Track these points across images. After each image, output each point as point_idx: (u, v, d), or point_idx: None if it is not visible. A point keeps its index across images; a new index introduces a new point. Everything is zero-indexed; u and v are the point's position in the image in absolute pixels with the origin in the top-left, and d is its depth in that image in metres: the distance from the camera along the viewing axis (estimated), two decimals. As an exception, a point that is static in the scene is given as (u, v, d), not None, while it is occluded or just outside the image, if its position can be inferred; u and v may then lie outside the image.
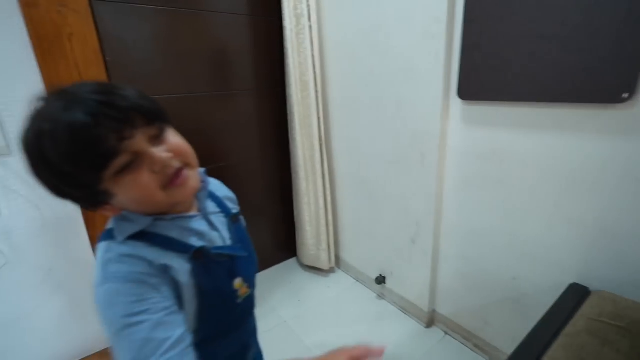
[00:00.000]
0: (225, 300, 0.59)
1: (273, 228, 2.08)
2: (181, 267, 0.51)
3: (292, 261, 2.19)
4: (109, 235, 0.51)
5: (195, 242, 0.56)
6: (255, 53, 1.72)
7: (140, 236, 0.50)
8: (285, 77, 1.68)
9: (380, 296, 1.80)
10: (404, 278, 1.63)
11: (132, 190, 0.47)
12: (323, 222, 1.88)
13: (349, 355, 0.48)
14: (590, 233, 0.98)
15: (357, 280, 1.95)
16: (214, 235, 0.60)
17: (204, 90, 1.60)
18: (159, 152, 0.48)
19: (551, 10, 0.90)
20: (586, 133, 0.93)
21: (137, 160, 0.46)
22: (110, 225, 0.52)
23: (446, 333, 1.53)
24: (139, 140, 0.46)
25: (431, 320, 1.58)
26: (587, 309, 0.88)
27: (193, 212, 0.59)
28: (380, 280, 1.73)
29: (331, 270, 2.04)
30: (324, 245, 1.90)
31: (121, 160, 0.45)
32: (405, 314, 1.66)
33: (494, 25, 1.03)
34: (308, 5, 1.57)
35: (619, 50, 0.81)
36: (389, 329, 1.59)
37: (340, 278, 2.00)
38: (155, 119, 0.49)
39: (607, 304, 0.87)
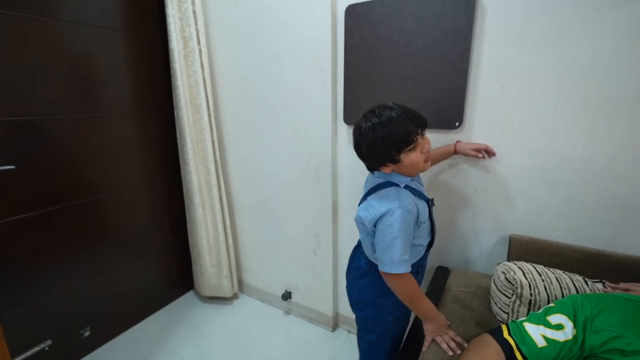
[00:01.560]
0: (433, 229, 1.00)
1: (164, 262, 1.87)
2: (424, 210, 0.92)
3: (189, 295, 2.01)
4: (392, 184, 0.90)
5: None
6: (134, 72, 1.57)
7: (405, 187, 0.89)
8: (174, 99, 1.59)
9: (287, 312, 1.84)
10: (308, 289, 1.72)
11: (411, 159, 0.86)
12: (223, 247, 1.81)
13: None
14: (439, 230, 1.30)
15: (263, 301, 1.94)
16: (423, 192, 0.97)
17: (67, 112, 1.36)
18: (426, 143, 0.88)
19: (406, 58, 1.19)
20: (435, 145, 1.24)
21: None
22: (383, 179, 0.92)
23: (349, 332, 1.68)
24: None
25: (336, 323, 1.72)
26: (450, 283, 1.15)
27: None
28: (287, 296, 1.78)
29: (235, 297, 1.96)
30: (226, 272, 1.83)
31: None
32: (312, 323, 1.75)
33: (368, 65, 1.27)
34: (197, 29, 1.55)
35: (451, 91, 1.14)
36: (298, 341, 1.65)
37: (244, 303, 1.94)
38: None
39: (461, 277, 1.17)
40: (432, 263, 1.35)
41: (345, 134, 1.42)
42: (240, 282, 2.01)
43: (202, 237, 1.76)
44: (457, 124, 1.16)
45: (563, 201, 1.06)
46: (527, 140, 1.07)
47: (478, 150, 1.10)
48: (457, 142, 1.15)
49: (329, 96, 1.38)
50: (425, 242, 0.97)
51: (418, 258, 0.97)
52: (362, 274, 1.06)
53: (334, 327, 1.70)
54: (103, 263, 1.58)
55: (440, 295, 1.11)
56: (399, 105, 0.86)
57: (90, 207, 1.49)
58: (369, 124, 0.84)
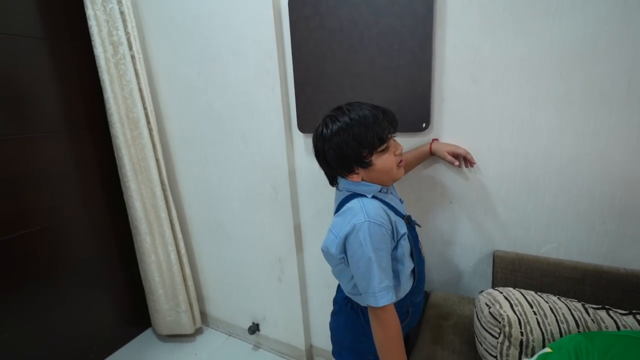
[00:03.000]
0: (419, 257, 0.81)
1: (116, 299, 1.64)
2: (402, 228, 0.75)
3: (147, 334, 1.77)
4: (356, 195, 0.75)
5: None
6: (60, 86, 1.36)
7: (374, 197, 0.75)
8: (107, 114, 1.38)
9: (257, 346, 1.63)
10: (277, 320, 1.52)
11: (384, 162, 0.73)
12: (179, 279, 1.59)
13: None
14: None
15: (230, 335, 1.73)
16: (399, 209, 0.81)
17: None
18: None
19: (361, 52, 1.02)
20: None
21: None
22: (348, 192, 0.77)
23: (327, 366, 1.49)
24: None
25: (310, 357, 1.52)
26: (428, 311, 0.97)
27: None
28: (254, 328, 1.57)
29: (198, 332, 1.74)
30: (184, 306, 1.61)
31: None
32: (284, 358, 1.54)
33: (318, 63, 1.09)
34: (127, 33, 1.35)
35: (414, 88, 0.97)
36: (270, 382, 1.44)
37: (209, 338, 1.72)
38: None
39: (440, 303, 1.00)
40: (409, 286, 1.17)
41: (302, 143, 1.24)
42: (203, 314, 1.79)
43: (152, 269, 1.54)
44: (424, 125, 0.99)
45: (551, 210, 0.90)
46: (505, 140, 0.91)
47: (456, 156, 0.92)
48: (433, 140, 0.98)
49: (279, 101, 1.20)
50: (408, 270, 0.78)
51: (404, 293, 0.79)
52: (339, 309, 0.89)
53: (309, 360, 1.51)
54: (46, 303, 1.37)
55: (418, 330, 0.93)
56: (367, 102, 0.75)
57: (16, 245, 1.26)
58: (337, 124, 0.72)
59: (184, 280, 1.63)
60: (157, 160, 1.49)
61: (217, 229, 1.56)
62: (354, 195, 0.74)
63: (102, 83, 1.34)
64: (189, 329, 1.64)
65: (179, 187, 1.62)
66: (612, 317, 0.71)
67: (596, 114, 0.80)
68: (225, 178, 1.44)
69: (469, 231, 1.03)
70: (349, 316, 0.84)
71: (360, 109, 0.72)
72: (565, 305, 0.74)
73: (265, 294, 1.51)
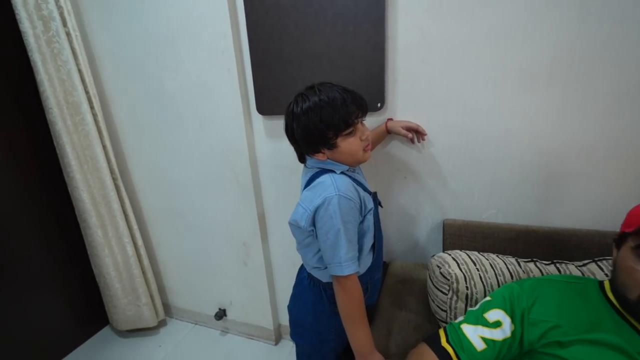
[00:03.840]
0: (380, 234, 0.86)
1: (66, 297, 1.54)
2: (369, 200, 0.80)
3: (105, 331, 1.69)
4: (326, 171, 0.77)
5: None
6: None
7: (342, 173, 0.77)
8: (42, 98, 1.25)
9: (224, 331, 1.64)
10: (244, 304, 1.54)
11: (350, 146, 0.75)
12: (137, 271, 1.53)
13: None
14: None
15: (196, 324, 1.71)
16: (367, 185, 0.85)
17: None
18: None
19: (318, 33, 1.03)
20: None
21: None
22: (317, 169, 0.79)
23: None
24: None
25: (279, 335, 1.56)
26: (387, 278, 1.06)
27: None
28: (220, 314, 1.57)
29: (161, 324, 1.70)
30: (145, 299, 1.56)
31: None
32: (253, 339, 1.57)
33: (276, 44, 1.09)
34: (59, 7, 1.22)
35: (369, 69, 1.01)
36: (240, 364, 1.47)
37: (174, 329, 1.69)
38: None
39: (398, 270, 1.08)
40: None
41: (262, 126, 1.23)
42: (167, 306, 1.75)
43: (107, 263, 1.46)
44: (379, 105, 1.04)
45: (491, 180, 1.01)
46: (451, 118, 0.99)
47: (409, 130, 0.99)
48: (388, 119, 1.03)
49: (236, 83, 1.17)
50: (369, 244, 0.82)
51: (365, 268, 0.83)
52: (302, 290, 0.91)
53: (277, 339, 1.55)
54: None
55: (379, 297, 1.00)
56: (339, 84, 0.76)
57: None
58: (307, 103, 0.73)
59: (143, 272, 1.57)
60: (104, 147, 1.39)
61: (177, 217, 1.51)
62: (324, 171, 0.77)
63: (32, 64, 1.21)
64: (151, 321, 1.60)
65: (132, 176, 1.53)
66: (538, 267, 0.83)
67: (525, 93, 0.90)
68: (182, 164, 1.39)
69: (422, 203, 1.12)
70: (312, 297, 0.86)
71: (331, 91, 0.73)
72: (502, 261, 0.85)
73: (231, 279, 1.51)
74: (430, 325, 0.86)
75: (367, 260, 0.81)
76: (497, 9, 0.86)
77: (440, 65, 0.96)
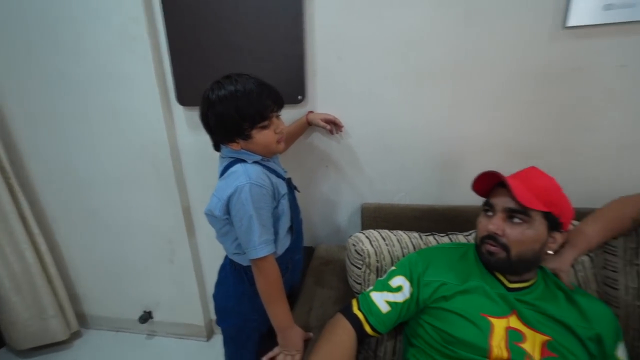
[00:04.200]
0: (297, 217, 0.91)
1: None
2: (283, 187, 0.83)
3: (1, 354, 1.47)
4: (239, 160, 0.79)
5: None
6: None
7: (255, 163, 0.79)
8: None
9: (151, 335, 1.55)
10: (172, 303, 1.48)
11: (264, 138, 0.77)
12: (41, 281, 1.36)
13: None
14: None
15: (118, 331, 1.59)
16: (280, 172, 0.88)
17: None
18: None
19: (238, 24, 1.03)
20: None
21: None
22: (231, 158, 0.80)
23: (228, 336, 1.53)
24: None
25: (210, 331, 1.54)
26: (312, 262, 1.12)
27: None
28: (146, 317, 1.49)
29: (75, 337, 1.54)
30: (52, 311, 1.39)
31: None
32: (183, 338, 1.52)
33: (195, 32, 1.06)
34: None
35: (290, 62, 1.05)
36: (169, 365, 1.41)
37: (91, 340, 1.55)
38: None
39: (322, 254, 1.15)
40: (298, 245, 1.30)
41: (183, 116, 1.19)
42: (81, 316, 1.59)
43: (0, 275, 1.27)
44: (299, 97, 1.09)
45: (400, 166, 1.13)
46: (365, 111, 1.09)
47: (327, 122, 1.06)
48: (308, 112, 1.09)
49: (152, 71, 1.12)
50: (286, 226, 0.86)
51: (283, 249, 0.87)
52: (224, 276, 0.92)
53: (209, 335, 1.52)
54: None
55: (304, 277, 1.06)
56: (256, 77, 0.78)
57: None
58: (223, 92, 0.73)
59: (49, 281, 1.40)
60: (-9, 141, 1.21)
61: (90, 217, 1.38)
62: (237, 161, 0.79)
63: None
64: (61, 335, 1.44)
65: (30, 174, 1.35)
66: (435, 239, 0.96)
67: (423, 89, 1.03)
68: (93, 158, 1.27)
69: (343, 190, 1.20)
70: (233, 280, 0.89)
71: (247, 82, 0.74)
72: (407, 236, 0.97)
73: (156, 279, 1.44)
74: (348, 299, 0.94)
75: (285, 241, 0.86)
76: (401, 12, 0.96)
77: (354, 62, 1.04)
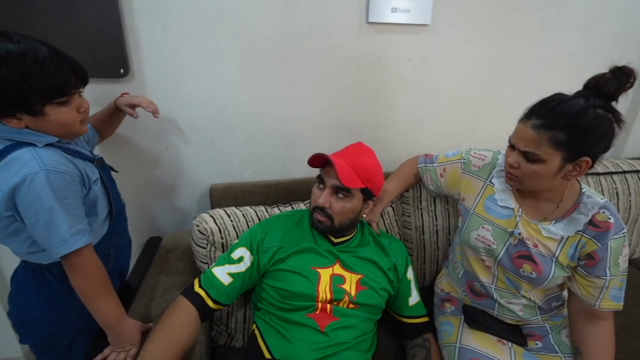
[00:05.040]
0: (117, 200, 0.81)
1: None
2: (93, 174, 0.73)
3: None
4: (22, 144, 0.63)
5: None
6: None
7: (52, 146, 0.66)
8: None
9: None
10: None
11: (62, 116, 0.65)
12: None
13: None
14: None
15: None
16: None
17: None
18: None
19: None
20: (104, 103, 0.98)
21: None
22: (10, 136, 0.63)
23: None
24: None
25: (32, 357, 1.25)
26: (159, 252, 1.05)
27: None
28: None
29: None
30: None
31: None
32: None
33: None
34: None
35: (104, 28, 0.90)
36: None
37: None
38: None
39: (171, 242, 1.09)
40: (142, 237, 1.18)
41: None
42: None
43: None
44: (122, 71, 0.96)
45: (245, 144, 1.16)
46: (203, 88, 1.05)
47: (132, 107, 0.91)
48: (122, 94, 0.94)
49: None
50: (103, 213, 0.76)
51: (99, 237, 0.76)
52: (19, 284, 0.75)
53: (33, 365, 1.24)
54: None
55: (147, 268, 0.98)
56: (51, 44, 0.63)
57: None
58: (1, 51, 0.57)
59: None
60: None
61: None
62: (20, 145, 0.63)
63: None
64: None
65: None
66: (280, 210, 1.04)
67: (260, 68, 1.07)
68: None
69: (188, 172, 1.15)
70: (33, 283, 0.74)
71: (39, 47, 0.60)
72: (254, 210, 1.01)
73: None
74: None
75: (102, 228, 0.77)
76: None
77: (184, 35, 0.98)
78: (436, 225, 1.10)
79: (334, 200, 0.81)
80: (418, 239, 1.11)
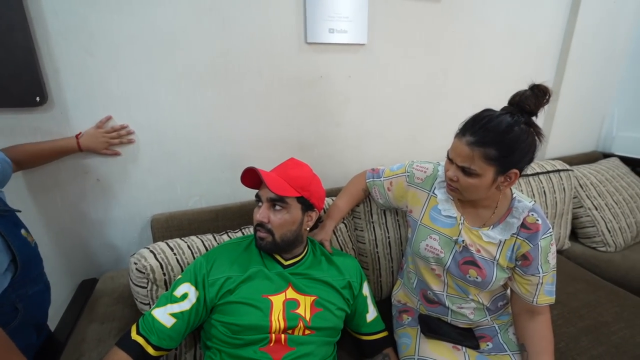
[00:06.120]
0: (21, 245, 0.68)
1: None
2: None
3: None
4: None
5: None
6: None
7: None
8: None
9: None
10: None
11: None
12: None
13: None
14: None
15: None
16: None
17: None
18: None
19: None
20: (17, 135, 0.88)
21: None
22: None
23: None
24: None
25: None
26: (94, 297, 0.94)
27: None
28: None
29: None
30: None
31: None
32: None
33: None
34: None
35: (12, 53, 0.81)
36: None
37: None
38: None
39: (108, 284, 0.99)
40: (74, 280, 1.06)
41: None
42: None
43: None
44: (37, 99, 0.87)
45: (188, 170, 1.10)
46: (136, 114, 0.99)
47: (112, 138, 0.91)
48: (77, 135, 0.90)
49: None
50: (3, 265, 0.64)
51: (1, 289, 0.64)
52: None
53: None
54: None
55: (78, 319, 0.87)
56: None
57: None
58: None
59: None
60: None
61: None
62: None
63: None
64: None
65: None
66: (229, 236, 0.99)
67: (198, 91, 1.03)
68: None
69: (124, 205, 1.06)
70: None
71: None
72: (200, 239, 0.95)
73: None
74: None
75: (4, 281, 0.65)
76: (157, 10, 0.92)
77: (111, 59, 0.92)
78: (388, 238, 1.12)
79: (271, 214, 0.79)
80: (372, 252, 1.12)
